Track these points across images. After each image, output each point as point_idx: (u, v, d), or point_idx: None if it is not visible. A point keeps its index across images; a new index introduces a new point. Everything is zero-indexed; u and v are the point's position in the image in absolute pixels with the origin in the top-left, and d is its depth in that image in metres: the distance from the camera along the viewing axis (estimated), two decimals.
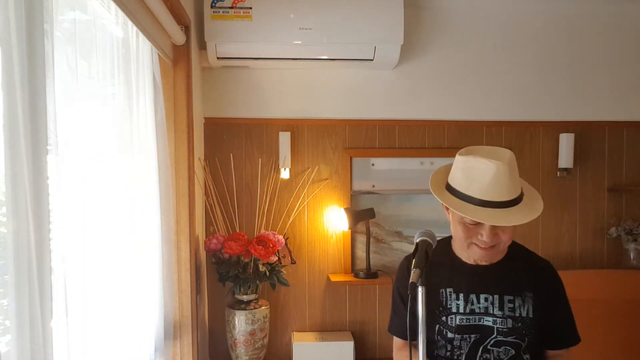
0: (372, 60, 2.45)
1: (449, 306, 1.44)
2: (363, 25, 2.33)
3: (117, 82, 1.47)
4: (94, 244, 1.28)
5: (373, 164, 2.66)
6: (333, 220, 2.61)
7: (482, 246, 1.37)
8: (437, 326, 1.44)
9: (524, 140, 2.71)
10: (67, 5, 1.18)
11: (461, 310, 1.43)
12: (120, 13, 1.40)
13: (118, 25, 1.48)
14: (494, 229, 1.34)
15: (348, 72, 2.62)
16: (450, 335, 1.43)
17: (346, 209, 2.52)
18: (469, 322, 1.41)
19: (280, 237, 2.40)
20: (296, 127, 2.61)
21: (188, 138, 2.02)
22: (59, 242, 0.99)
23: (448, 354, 1.44)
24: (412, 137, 2.66)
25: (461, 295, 1.44)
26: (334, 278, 2.56)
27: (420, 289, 1.22)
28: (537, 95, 2.70)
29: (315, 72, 2.60)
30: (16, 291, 0.84)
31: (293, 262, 2.53)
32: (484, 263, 1.45)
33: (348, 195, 2.62)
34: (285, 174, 2.57)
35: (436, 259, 1.42)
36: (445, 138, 2.67)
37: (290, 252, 2.52)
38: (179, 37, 1.93)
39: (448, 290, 1.46)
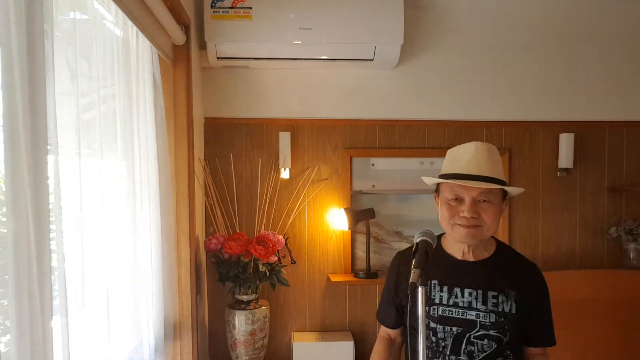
0: (372, 60, 2.45)
1: (432, 297, 1.51)
2: (363, 25, 2.33)
3: (117, 82, 1.47)
4: (94, 244, 1.28)
5: (373, 164, 2.66)
6: (333, 220, 2.61)
7: (464, 223, 1.44)
8: None
9: (524, 140, 2.71)
10: (67, 5, 1.18)
11: (444, 302, 1.50)
12: (120, 13, 1.40)
13: (118, 25, 1.48)
14: (474, 205, 1.42)
15: (348, 72, 2.62)
16: (432, 325, 1.50)
17: (346, 209, 2.52)
18: (451, 314, 1.48)
19: (280, 237, 2.40)
20: (296, 127, 2.61)
21: (188, 138, 2.02)
22: (59, 242, 0.99)
23: (433, 345, 1.49)
24: (412, 137, 2.66)
25: (445, 288, 1.51)
26: (334, 278, 2.56)
27: (420, 289, 1.24)
28: (537, 95, 2.70)
29: (315, 72, 2.60)
30: (16, 291, 0.84)
31: (293, 262, 2.53)
32: (467, 241, 1.48)
33: (348, 195, 2.62)
34: (285, 174, 2.56)
35: None
36: (445, 138, 2.67)
37: (290, 252, 2.52)
38: (179, 37, 1.93)
39: (434, 281, 1.52)
